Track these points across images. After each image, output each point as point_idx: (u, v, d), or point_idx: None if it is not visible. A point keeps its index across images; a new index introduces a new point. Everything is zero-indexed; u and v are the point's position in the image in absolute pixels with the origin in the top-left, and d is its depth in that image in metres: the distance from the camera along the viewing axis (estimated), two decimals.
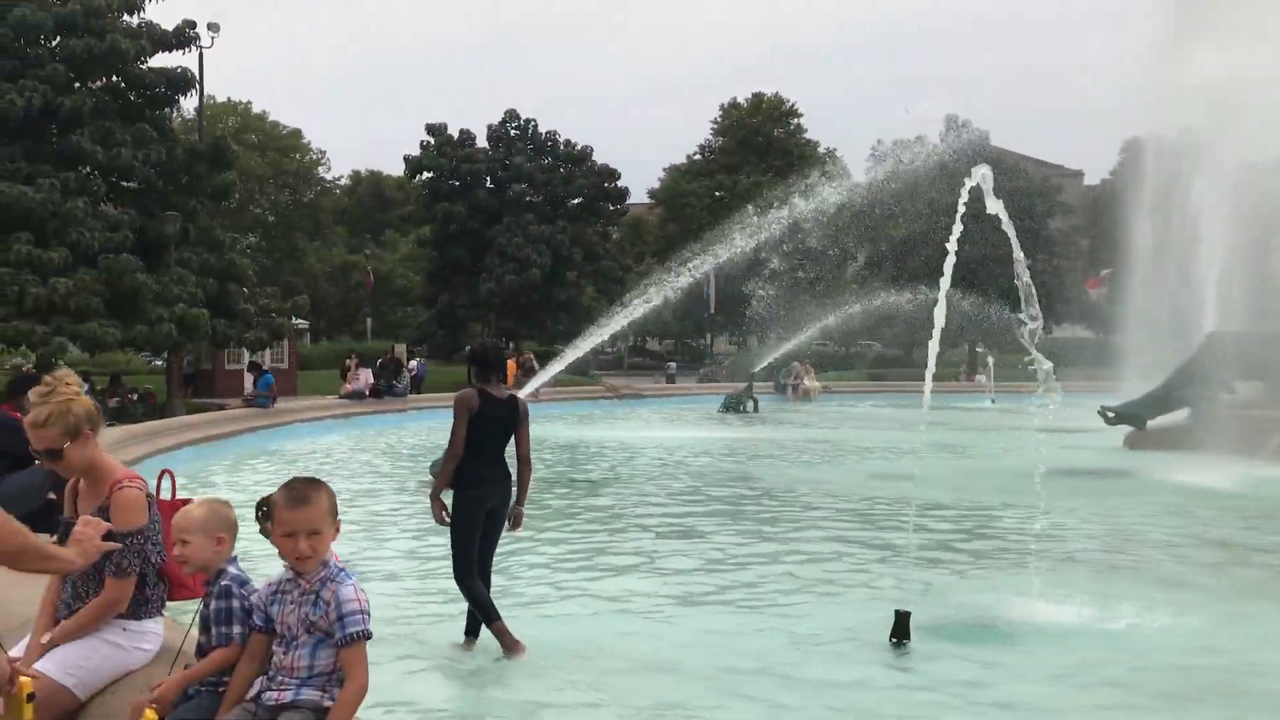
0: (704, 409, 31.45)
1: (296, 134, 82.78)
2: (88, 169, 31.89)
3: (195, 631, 3.97)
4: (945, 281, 8.32)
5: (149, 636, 4.30)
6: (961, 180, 9.38)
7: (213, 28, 39.13)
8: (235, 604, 3.82)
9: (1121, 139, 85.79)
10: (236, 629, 3.79)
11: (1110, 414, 19.87)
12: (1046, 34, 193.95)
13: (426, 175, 46.95)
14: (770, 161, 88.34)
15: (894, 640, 6.86)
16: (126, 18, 34.28)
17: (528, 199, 47.61)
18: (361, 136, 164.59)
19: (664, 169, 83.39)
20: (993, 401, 35.91)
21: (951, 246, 8.21)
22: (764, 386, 36.55)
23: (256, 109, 78.76)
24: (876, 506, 13.34)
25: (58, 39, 33.14)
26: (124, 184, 33.57)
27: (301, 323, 37.90)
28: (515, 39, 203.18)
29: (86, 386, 21.70)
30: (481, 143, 49.07)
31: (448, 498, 7.31)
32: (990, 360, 42.25)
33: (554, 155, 49.65)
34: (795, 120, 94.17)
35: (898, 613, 6.88)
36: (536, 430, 16.01)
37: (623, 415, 29.54)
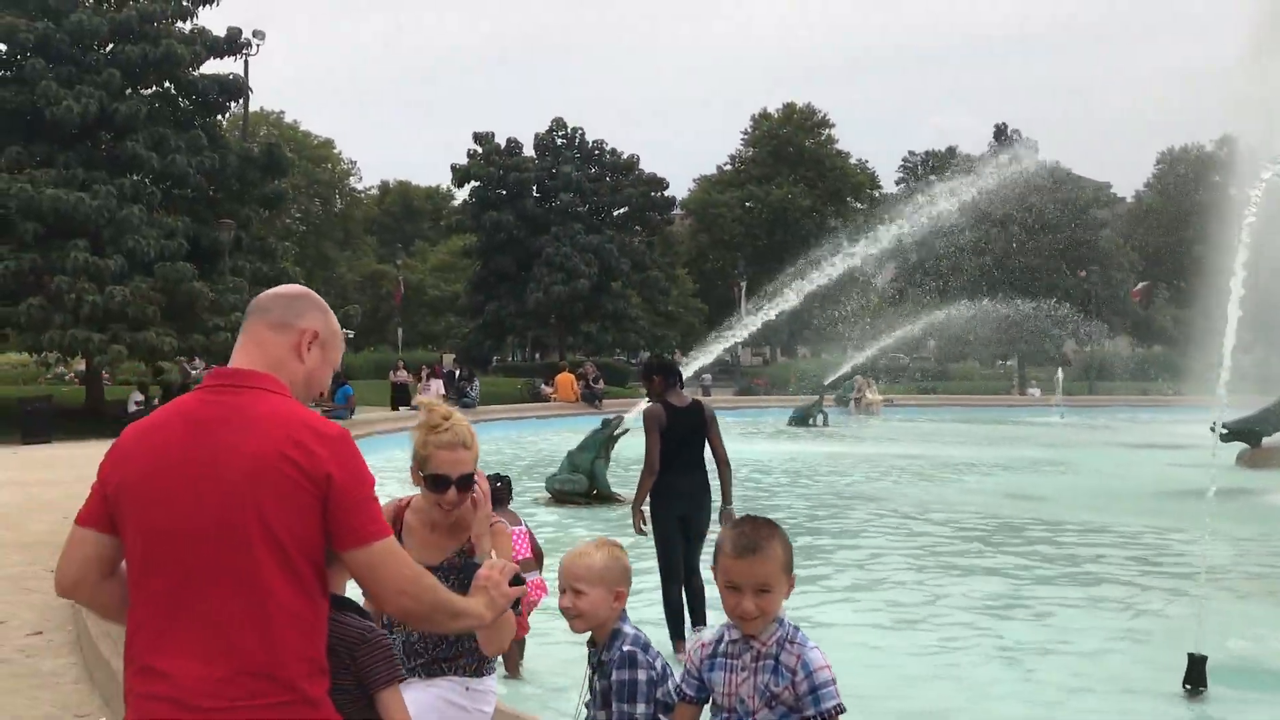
0: (765, 422, 30.73)
1: (328, 144, 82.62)
2: (140, 175, 31.45)
3: (583, 705, 3.33)
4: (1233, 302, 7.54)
5: (489, 697, 3.65)
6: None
7: (258, 35, 38.76)
8: (641, 676, 3.16)
9: (1156, 151, 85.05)
10: (641, 708, 3.13)
11: (1224, 430, 19.11)
12: (1066, 48, 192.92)
13: (473, 184, 46.45)
14: (801, 172, 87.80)
15: (1188, 687, 6.17)
16: (180, 24, 33.96)
17: (575, 208, 47.06)
18: (387, 148, 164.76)
19: (694, 179, 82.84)
20: (1061, 416, 35.18)
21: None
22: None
23: (288, 119, 78.55)
24: (1064, 533, 12.29)
25: (111, 44, 32.83)
26: (175, 191, 33.14)
27: (348, 332, 37.35)
28: (539, 52, 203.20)
29: (141, 398, 21.16)
30: (528, 151, 48.58)
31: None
32: (1060, 373, 41.49)
33: (600, 164, 49.12)
34: (826, 131, 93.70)
35: (1191, 657, 6.19)
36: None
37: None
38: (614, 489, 13.60)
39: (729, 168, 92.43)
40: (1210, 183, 76.10)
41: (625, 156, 49.08)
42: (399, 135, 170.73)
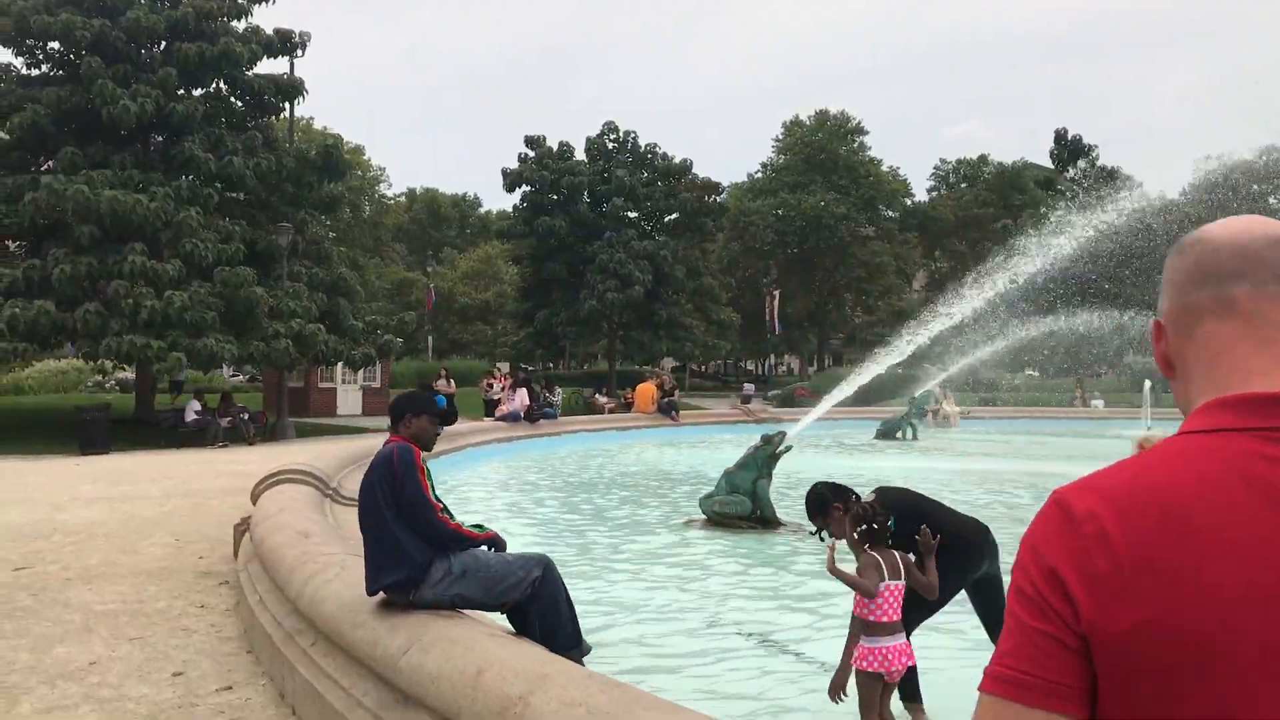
0: (842, 434, 29.57)
1: (358, 150, 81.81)
2: (196, 177, 30.46)
3: None
4: None
5: None
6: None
7: (304, 36, 37.68)
8: None
9: (1192, 158, 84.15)
10: None
11: None
12: (1084, 56, 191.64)
13: (525, 189, 45.34)
14: (835, 180, 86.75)
15: None
16: (234, 22, 32.99)
17: (627, 213, 45.93)
18: (412, 156, 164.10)
19: (727, 186, 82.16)
20: (1149, 428, 33.87)
21: None
22: (866, 411, 34.61)
23: (317, 125, 77.80)
24: None
25: (165, 42, 31.89)
26: (229, 194, 32.12)
27: (398, 340, 36.25)
28: (563, 61, 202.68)
29: (199, 407, 20.09)
30: (579, 155, 47.48)
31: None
32: (1147, 384, 40.16)
33: (652, 168, 47.97)
34: (860, 138, 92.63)
35: None
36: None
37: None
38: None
39: (761, 175, 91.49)
40: (1250, 192, 75.35)
41: (678, 161, 47.93)
42: (423, 143, 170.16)
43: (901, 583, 5.43)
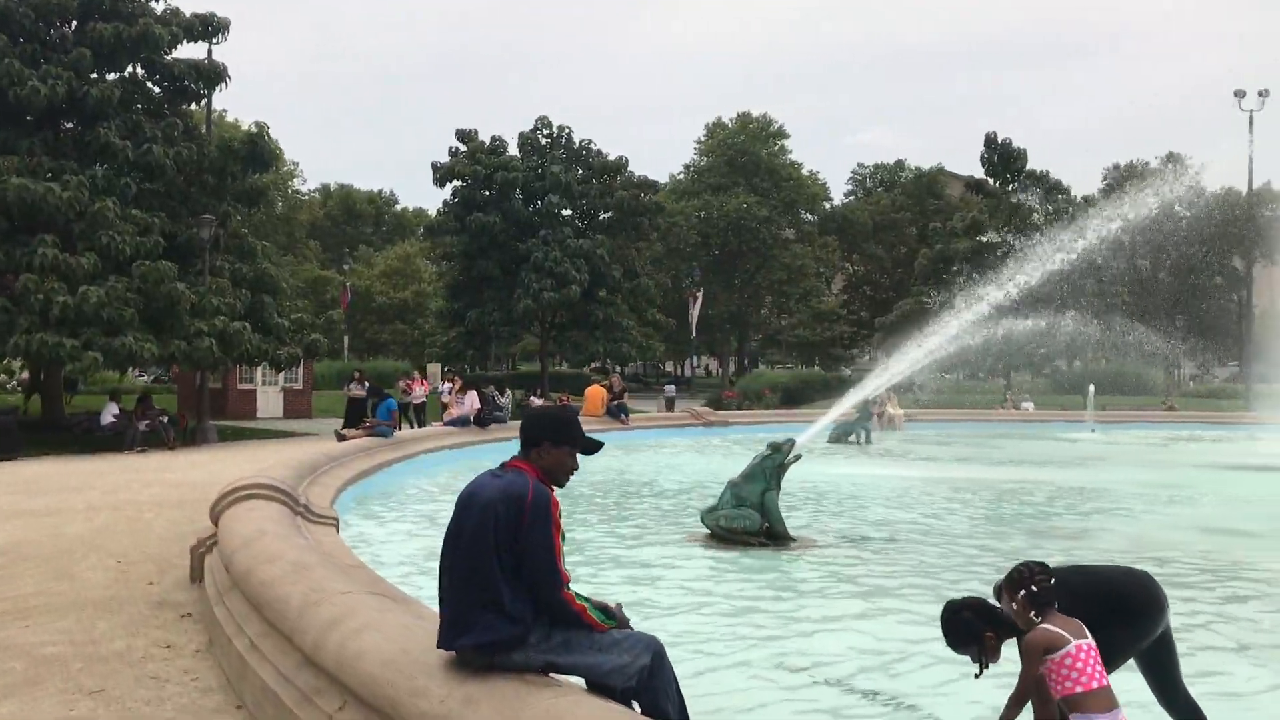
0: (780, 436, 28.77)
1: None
2: (111, 165, 28.53)
3: None
4: None
5: None
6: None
7: (224, 21, 35.79)
8: None
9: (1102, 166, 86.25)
10: None
11: None
12: (1010, 63, 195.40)
13: (457, 184, 43.78)
14: (756, 182, 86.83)
15: None
16: (152, 3, 31.12)
17: (563, 211, 44.71)
18: (324, 151, 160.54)
19: (665, 185, 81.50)
20: (1093, 431, 33.88)
21: None
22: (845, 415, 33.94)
23: (229, 117, 75.03)
24: None
25: (76, 22, 29.90)
26: (146, 185, 30.15)
27: (324, 340, 34.65)
28: (487, 57, 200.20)
29: (117, 408, 18.57)
30: (512, 151, 46.05)
31: None
32: (1091, 388, 40.26)
33: (587, 165, 46.82)
34: (780, 141, 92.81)
35: None
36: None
37: (727, 445, 26.83)
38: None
39: (684, 176, 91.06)
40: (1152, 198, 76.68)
41: (613, 158, 46.87)
42: (337, 138, 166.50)
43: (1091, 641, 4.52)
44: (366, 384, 29.72)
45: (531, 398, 38.74)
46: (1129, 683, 5.22)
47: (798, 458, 11.70)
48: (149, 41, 29.43)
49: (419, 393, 31.81)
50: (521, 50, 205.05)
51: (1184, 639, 6.32)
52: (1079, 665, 4.42)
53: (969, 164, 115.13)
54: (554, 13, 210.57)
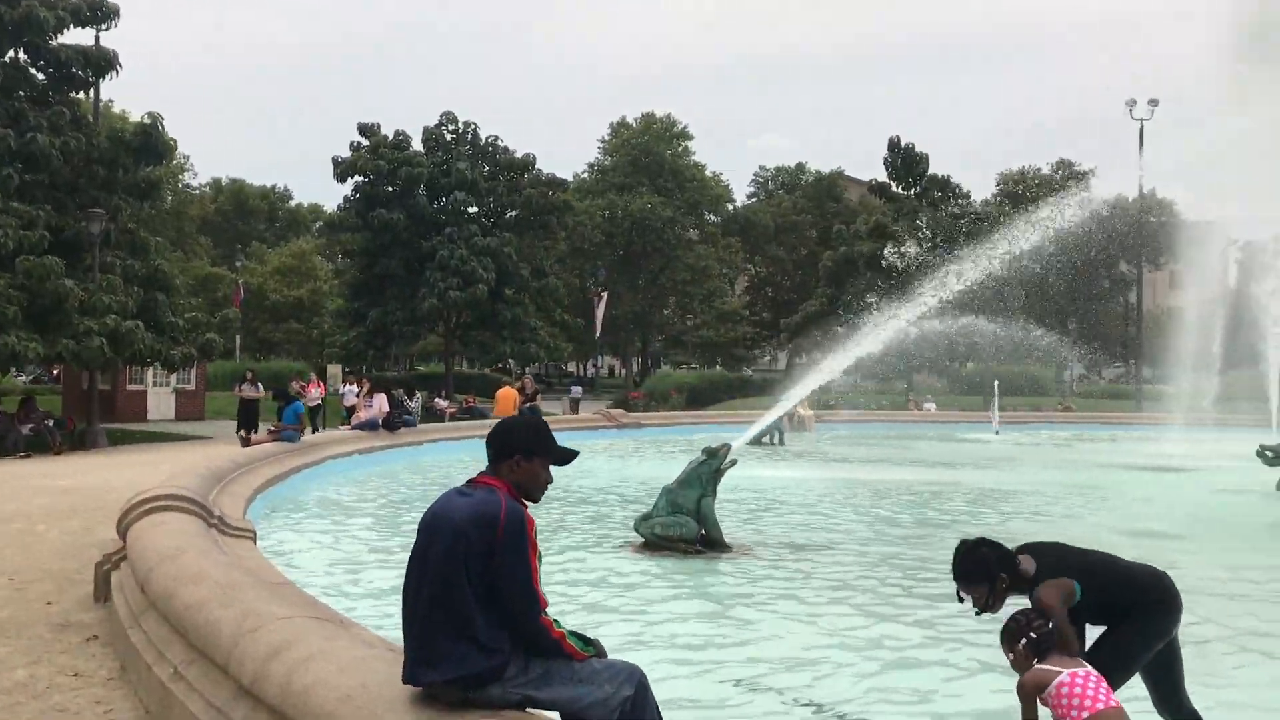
0: (706, 440, 28.58)
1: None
2: None
3: None
4: None
5: None
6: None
7: (111, 8, 34.30)
8: None
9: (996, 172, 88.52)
10: None
11: (1269, 454, 18.14)
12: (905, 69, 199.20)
13: (359, 179, 42.59)
14: (661, 183, 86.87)
15: None
16: None
17: (469, 208, 43.85)
18: (218, 144, 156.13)
19: (572, 182, 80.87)
20: (997, 433, 34.37)
21: None
22: (754, 415, 33.92)
23: (116, 108, 72.24)
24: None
25: None
26: (29, 176, 28.59)
27: (220, 339, 33.41)
28: (385, 51, 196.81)
29: None
30: (416, 146, 45.00)
31: None
32: (996, 387, 40.86)
33: (494, 162, 46.01)
34: (684, 142, 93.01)
35: None
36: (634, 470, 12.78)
37: (642, 447, 26.55)
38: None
39: (588, 176, 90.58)
40: (1047, 203, 78.99)
41: (520, 155, 46.17)
42: (228, 132, 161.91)
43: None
44: (259, 384, 28.74)
45: (437, 400, 37.93)
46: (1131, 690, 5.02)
47: (733, 463, 11.42)
48: (33, 25, 28.03)
49: (314, 395, 30.83)
50: (420, 46, 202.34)
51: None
52: (1078, 692, 4.24)
53: (864, 169, 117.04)
54: (454, 8, 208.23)
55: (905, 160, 50.68)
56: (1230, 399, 38.11)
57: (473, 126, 45.90)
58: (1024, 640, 4.52)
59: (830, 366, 21.98)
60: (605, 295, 72.83)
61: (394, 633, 6.56)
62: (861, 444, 29.39)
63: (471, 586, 3.99)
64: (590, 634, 4.38)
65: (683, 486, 11.10)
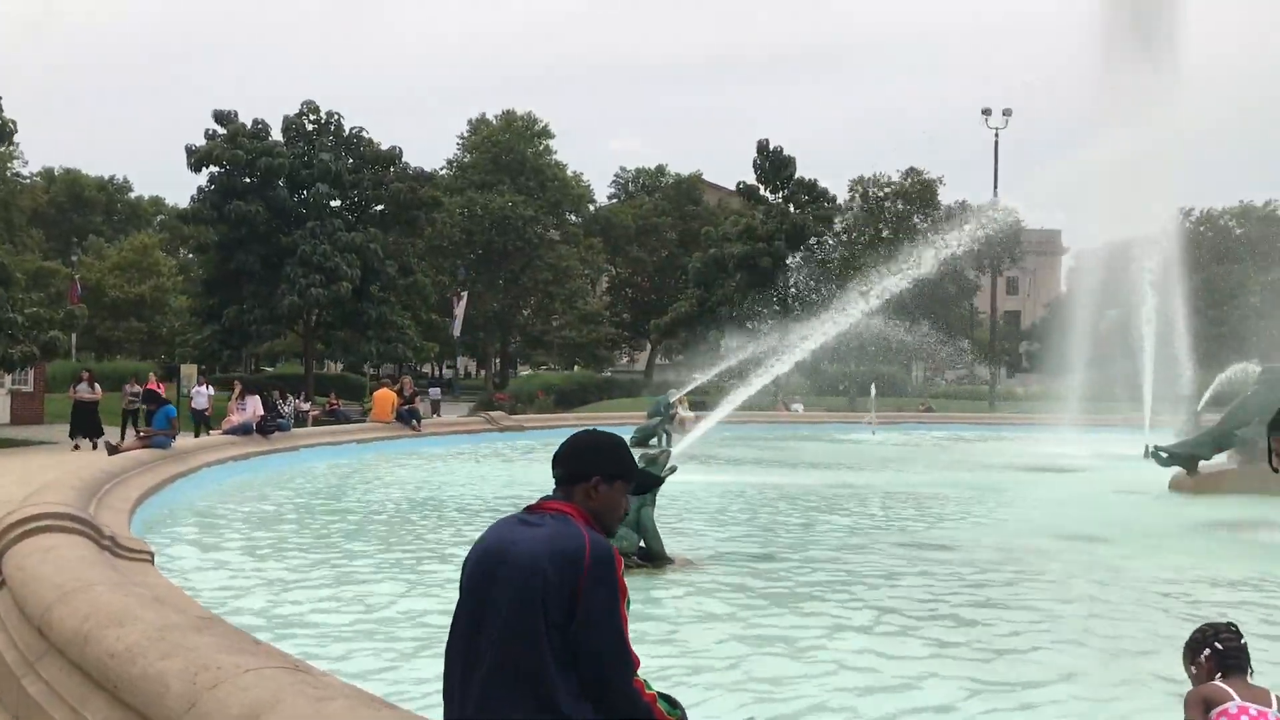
0: None
1: None
2: None
3: None
4: None
5: None
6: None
7: None
8: None
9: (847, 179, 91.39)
10: None
11: (1164, 454, 18.37)
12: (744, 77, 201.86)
13: (214, 169, 40.16)
14: (522, 181, 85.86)
15: None
16: None
17: (332, 202, 41.92)
18: (51, 133, 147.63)
19: (442, 173, 79.03)
20: (874, 433, 34.57)
21: None
22: (633, 417, 33.39)
23: None
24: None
25: None
26: None
27: (61, 336, 31.08)
28: (232, 40, 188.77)
29: None
30: (275, 136, 42.74)
31: None
32: (873, 388, 41.17)
33: (358, 154, 44.13)
34: (546, 141, 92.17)
35: None
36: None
37: (529, 450, 25.58)
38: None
39: (448, 173, 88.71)
40: (897, 211, 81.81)
41: (386, 148, 44.43)
42: (62, 120, 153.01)
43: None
44: (96, 385, 26.79)
45: (296, 402, 36.15)
46: None
47: (673, 469, 10.72)
48: None
49: (201, 396, 28.92)
50: (268, 33, 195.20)
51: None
52: None
53: (719, 174, 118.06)
54: None
55: (774, 163, 50.90)
56: (1089, 399, 39.14)
57: (336, 117, 44.04)
58: (1209, 649, 4.15)
59: (782, 363, 21.65)
60: (465, 295, 71.33)
61: (358, 682, 5.62)
62: (744, 445, 29.08)
63: (550, 643, 3.18)
64: None
65: None
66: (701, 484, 18.41)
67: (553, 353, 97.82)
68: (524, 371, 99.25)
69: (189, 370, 34.46)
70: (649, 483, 3.75)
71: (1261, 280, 53.59)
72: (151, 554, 8.43)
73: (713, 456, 25.90)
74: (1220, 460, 18.65)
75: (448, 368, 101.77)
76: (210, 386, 30.01)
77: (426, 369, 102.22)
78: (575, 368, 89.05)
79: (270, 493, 15.84)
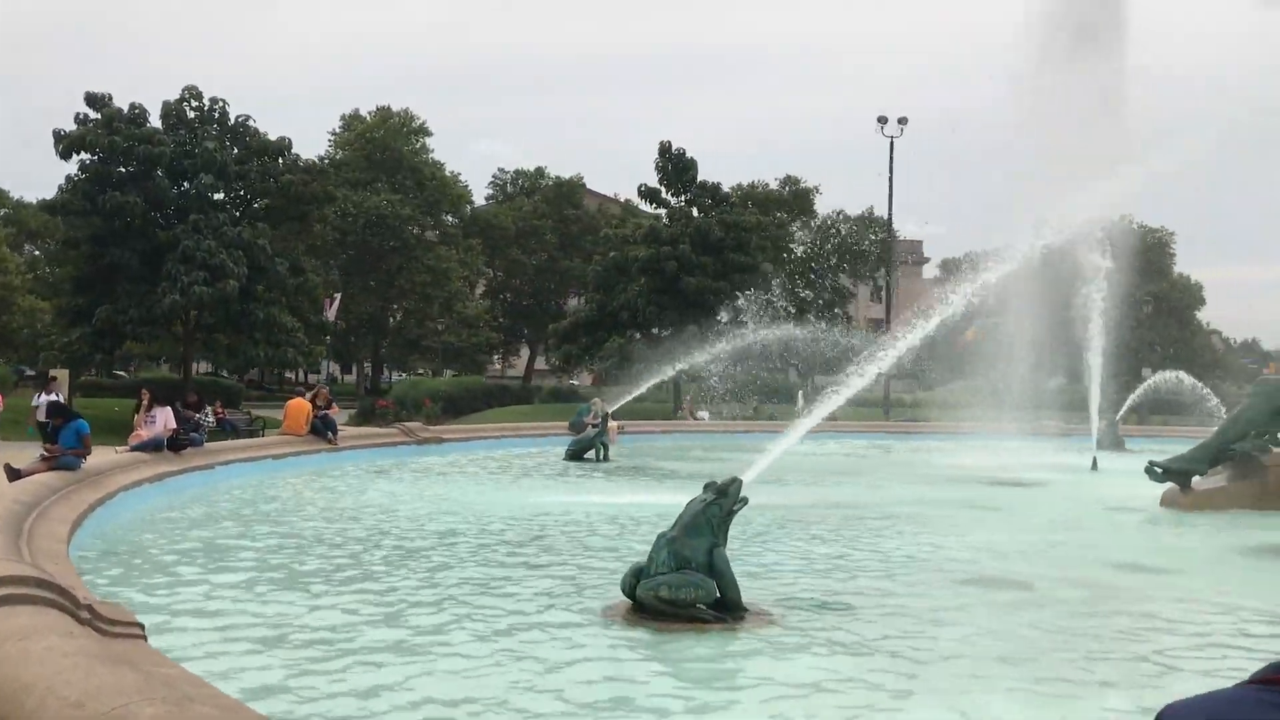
0: (518, 457, 25.97)
1: None
2: None
3: None
4: None
5: None
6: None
7: None
8: None
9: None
10: None
11: (1159, 470, 17.58)
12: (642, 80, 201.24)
13: (85, 157, 36.47)
14: (399, 180, 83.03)
15: None
16: None
17: (217, 194, 38.69)
18: None
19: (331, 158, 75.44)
20: (799, 443, 33.34)
21: None
22: (556, 427, 31.56)
23: None
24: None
25: None
26: None
27: None
28: (101, 22, 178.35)
29: None
30: (155, 123, 39.20)
31: None
32: (801, 395, 40.07)
33: (244, 145, 40.86)
34: (423, 139, 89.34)
35: None
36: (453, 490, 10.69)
37: (467, 465, 23.59)
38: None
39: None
40: (776, 219, 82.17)
41: (275, 138, 41.36)
42: None
43: None
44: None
45: (217, 410, 33.03)
46: None
47: (744, 501, 9.07)
48: None
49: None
50: (126, 16, 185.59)
51: None
52: None
53: (596, 181, 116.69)
54: None
55: (676, 165, 49.59)
56: (986, 407, 38.78)
57: (221, 104, 40.76)
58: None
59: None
60: (338, 297, 68.25)
61: None
62: (674, 458, 27.64)
63: None
64: None
65: (687, 534, 8.68)
66: (671, 505, 16.78)
67: (428, 357, 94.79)
68: (398, 377, 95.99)
69: (62, 375, 31.30)
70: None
71: (1150, 290, 54.81)
72: (141, 626, 6.43)
73: (656, 469, 24.39)
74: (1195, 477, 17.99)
75: (312, 373, 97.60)
76: (59, 394, 26.32)
77: (291, 375, 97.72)
78: (449, 374, 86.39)
79: (207, 523, 13.65)
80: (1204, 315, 69.23)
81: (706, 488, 9.03)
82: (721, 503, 8.85)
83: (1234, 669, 7.75)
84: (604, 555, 12.04)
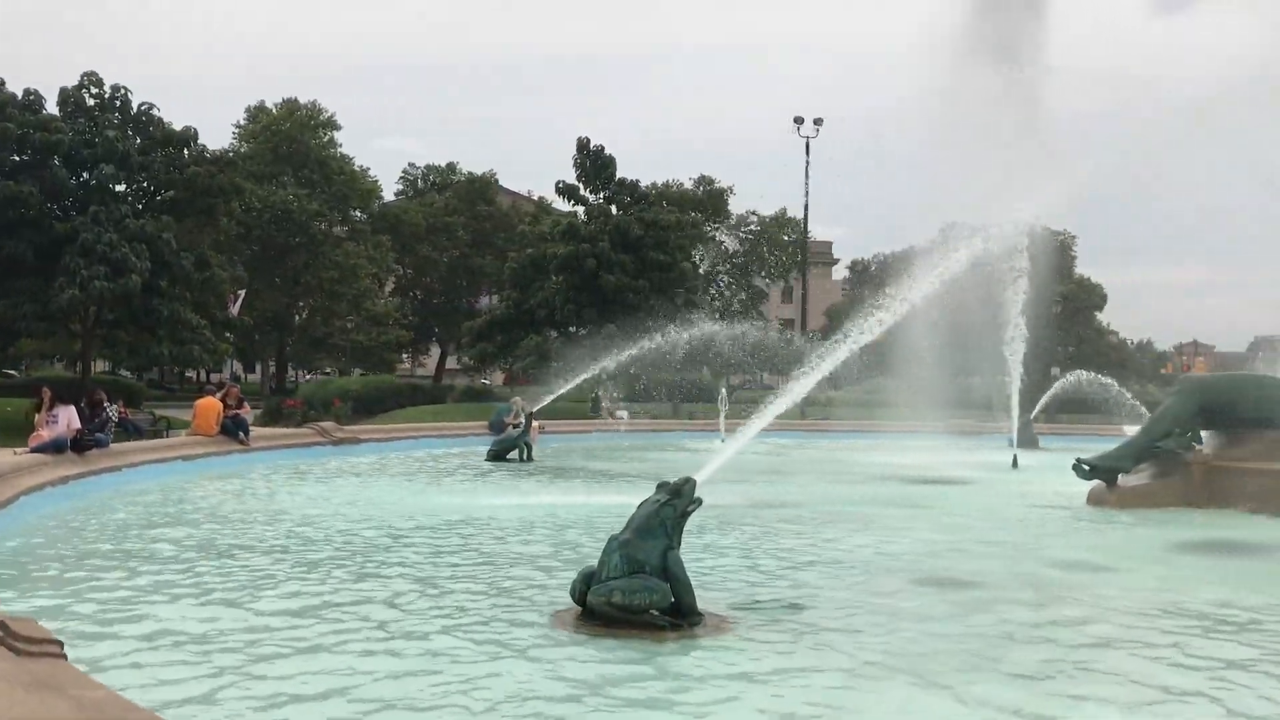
0: (436, 459, 25.37)
1: None
2: None
3: None
4: None
5: None
6: None
7: None
8: None
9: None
10: None
11: (1086, 467, 17.69)
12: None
13: None
14: (305, 174, 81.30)
15: None
16: None
17: (117, 185, 37.15)
18: None
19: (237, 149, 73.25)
20: (723, 441, 33.25)
21: None
22: (474, 427, 30.93)
23: None
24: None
25: None
26: None
27: None
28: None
29: None
30: (51, 109, 37.49)
31: None
32: (724, 395, 39.84)
33: (148, 135, 39.32)
34: (331, 132, 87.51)
35: None
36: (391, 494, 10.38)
37: (384, 466, 22.90)
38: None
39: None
40: (691, 219, 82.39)
41: (180, 128, 39.90)
42: None
43: None
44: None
45: (122, 409, 31.62)
46: None
47: (699, 503, 8.73)
48: None
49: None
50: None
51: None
52: None
53: (509, 179, 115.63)
54: None
55: (595, 163, 49.25)
56: (899, 405, 39.05)
57: (123, 91, 39.19)
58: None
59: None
60: (243, 293, 66.51)
61: None
62: (602, 458, 27.29)
63: None
64: None
65: (640, 537, 8.32)
66: (609, 507, 16.42)
67: (335, 356, 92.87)
68: (305, 377, 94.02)
69: None
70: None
71: (1060, 291, 55.90)
72: (60, 644, 5.86)
73: (583, 470, 23.97)
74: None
75: (215, 372, 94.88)
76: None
77: (191, 374, 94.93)
78: (356, 373, 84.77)
79: (118, 529, 12.89)
80: (1101, 317, 71.08)
81: (660, 488, 8.67)
82: (675, 504, 8.50)
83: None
84: (545, 559, 11.64)
